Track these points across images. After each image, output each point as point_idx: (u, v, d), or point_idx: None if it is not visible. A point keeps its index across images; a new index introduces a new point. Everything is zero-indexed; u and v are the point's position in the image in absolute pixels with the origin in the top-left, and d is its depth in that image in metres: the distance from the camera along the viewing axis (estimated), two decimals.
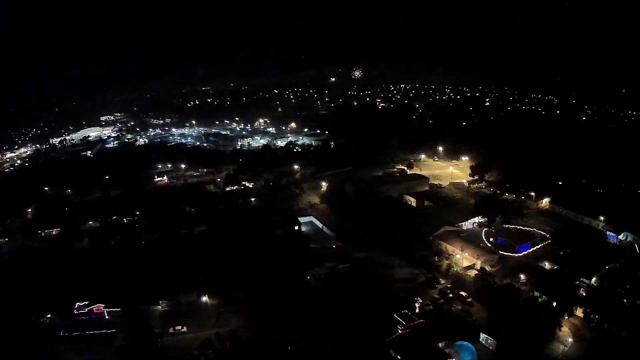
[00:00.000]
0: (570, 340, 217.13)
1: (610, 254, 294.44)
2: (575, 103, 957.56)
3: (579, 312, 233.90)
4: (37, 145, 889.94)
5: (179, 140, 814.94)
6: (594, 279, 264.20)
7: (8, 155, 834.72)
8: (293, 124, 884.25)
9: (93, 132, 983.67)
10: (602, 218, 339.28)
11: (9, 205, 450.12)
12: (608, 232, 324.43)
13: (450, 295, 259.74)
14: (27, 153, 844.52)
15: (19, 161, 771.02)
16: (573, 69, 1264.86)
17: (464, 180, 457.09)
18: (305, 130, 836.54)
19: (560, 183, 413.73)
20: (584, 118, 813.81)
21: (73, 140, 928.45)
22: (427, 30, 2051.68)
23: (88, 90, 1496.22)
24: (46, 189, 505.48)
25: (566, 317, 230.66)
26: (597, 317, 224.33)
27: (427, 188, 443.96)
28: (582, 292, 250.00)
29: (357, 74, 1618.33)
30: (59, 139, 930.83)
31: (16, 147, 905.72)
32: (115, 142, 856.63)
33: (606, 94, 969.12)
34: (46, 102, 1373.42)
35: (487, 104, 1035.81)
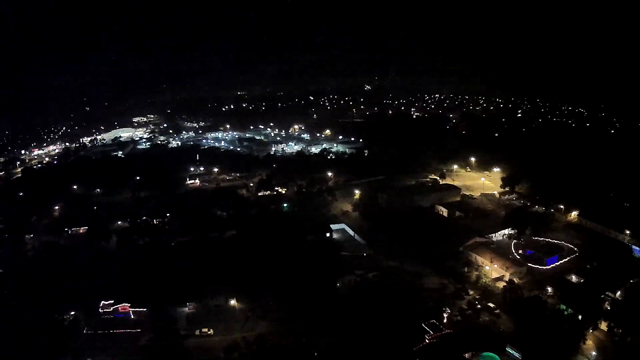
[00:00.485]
0: (593, 353, 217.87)
1: (635, 268, 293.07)
2: (604, 115, 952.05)
3: (603, 326, 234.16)
4: (67, 144, 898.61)
5: (212, 144, 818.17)
6: (618, 293, 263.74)
7: (36, 153, 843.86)
8: (328, 131, 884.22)
9: (125, 133, 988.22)
10: (628, 232, 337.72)
11: (34, 202, 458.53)
12: (633, 247, 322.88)
13: (479, 306, 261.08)
14: (56, 151, 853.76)
15: (47, 159, 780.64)
16: (603, 82, 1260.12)
17: (495, 192, 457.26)
18: (340, 137, 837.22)
19: (588, 196, 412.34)
20: (612, 131, 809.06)
21: (104, 140, 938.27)
22: (462, 40, 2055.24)
23: (121, 91, 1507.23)
24: (74, 187, 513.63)
25: (590, 331, 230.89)
26: (620, 331, 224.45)
27: (458, 199, 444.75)
28: (607, 306, 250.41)
29: (393, 83, 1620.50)
30: (89, 139, 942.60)
31: (44, 144, 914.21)
32: (148, 143, 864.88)
33: (634, 106, 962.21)
34: (77, 101, 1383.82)
35: (519, 115, 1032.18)
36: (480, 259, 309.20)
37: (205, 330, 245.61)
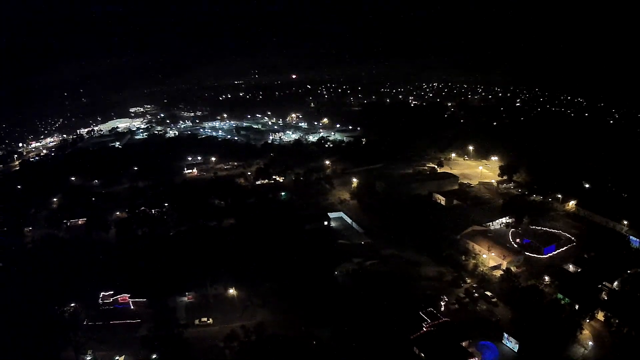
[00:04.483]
0: (590, 343, 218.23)
1: (632, 258, 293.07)
2: (603, 106, 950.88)
3: (600, 316, 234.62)
4: (64, 136, 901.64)
5: (209, 134, 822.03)
6: (615, 283, 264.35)
7: (33, 145, 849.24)
8: (325, 120, 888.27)
9: (122, 124, 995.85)
10: (625, 222, 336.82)
11: (33, 194, 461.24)
12: (631, 237, 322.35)
13: (476, 294, 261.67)
14: (53, 143, 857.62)
15: (44, 151, 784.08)
16: (602, 71, 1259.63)
17: (493, 180, 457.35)
18: (338, 126, 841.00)
19: (586, 186, 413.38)
20: (611, 121, 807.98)
21: (101, 131, 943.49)
22: (461, 30, 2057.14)
23: (117, 82, 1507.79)
24: (73, 179, 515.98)
25: (587, 320, 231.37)
26: (617, 321, 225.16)
27: (456, 187, 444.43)
28: (604, 296, 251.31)
29: (391, 71, 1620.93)
30: (86, 130, 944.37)
31: (42, 137, 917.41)
32: (145, 133, 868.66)
33: (633, 97, 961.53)
34: (74, 93, 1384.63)
35: (518, 104, 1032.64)
36: (477, 248, 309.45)
37: (205, 319, 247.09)
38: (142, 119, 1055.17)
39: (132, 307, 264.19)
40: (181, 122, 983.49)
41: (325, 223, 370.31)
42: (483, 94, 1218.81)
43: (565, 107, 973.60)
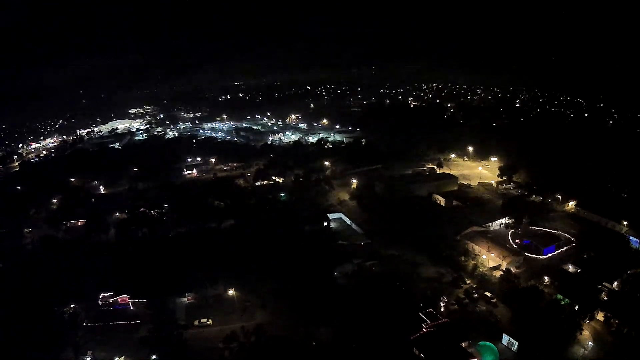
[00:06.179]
0: (590, 343, 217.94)
1: (632, 259, 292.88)
2: (603, 106, 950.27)
3: (600, 316, 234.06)
4: (64, 137, 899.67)
5: (209, 134, 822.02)
6: (615, 284, 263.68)
7: (33, 146, 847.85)
8: (325, 121, 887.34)
9: (122, 125, 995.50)
10: (625, 223, 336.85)
11: (33, 195, 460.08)
12: (631, 237, 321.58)
13: (475, 295, 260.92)
14: (53, 144, 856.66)
15: (44, 152, 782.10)
16: (602, 72, 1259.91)
17: (493, 181, 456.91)
18: (337, 126, 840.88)
19: (586, 186, 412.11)
20: (610, 122, 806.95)
21: (101, 132, 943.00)
22: (461, 31, 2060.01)
23: (117, 83, 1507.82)
24: (72, 179, 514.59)
25: (587, 321, 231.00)
26: (617, 321, 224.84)
27: (456, 188, 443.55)
28: (604, 296, 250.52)
29: (390, 72, 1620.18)
30: (86, 131, 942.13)
31: (41, 137, 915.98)
32: (144, 134, 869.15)
33: (633, 98, 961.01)
34: (74, 94, 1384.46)
35: (517, 105, 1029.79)
36: (477, 248, 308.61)
37: (204, 320, 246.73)
38: (141, 120, 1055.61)
39: (131, 308, 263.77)
40: (181, 123, 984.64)
41: (325, 224, 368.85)
42: (482, 94, 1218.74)
43: (564, 107, 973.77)
